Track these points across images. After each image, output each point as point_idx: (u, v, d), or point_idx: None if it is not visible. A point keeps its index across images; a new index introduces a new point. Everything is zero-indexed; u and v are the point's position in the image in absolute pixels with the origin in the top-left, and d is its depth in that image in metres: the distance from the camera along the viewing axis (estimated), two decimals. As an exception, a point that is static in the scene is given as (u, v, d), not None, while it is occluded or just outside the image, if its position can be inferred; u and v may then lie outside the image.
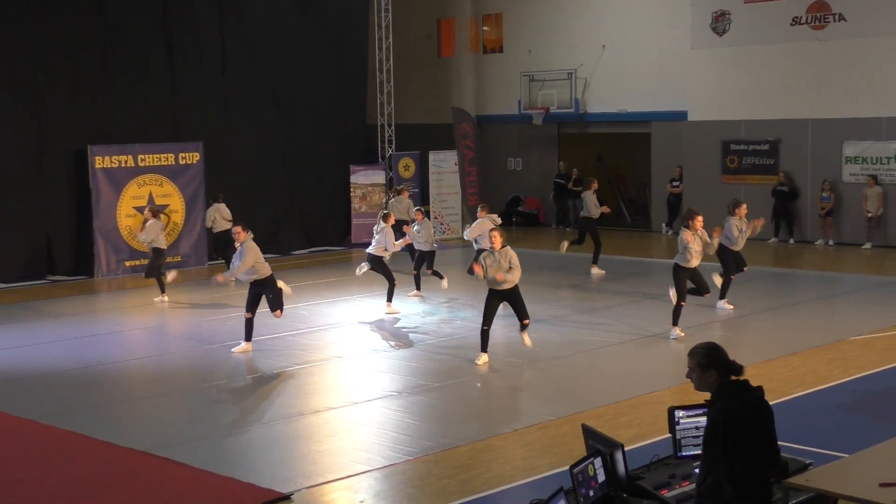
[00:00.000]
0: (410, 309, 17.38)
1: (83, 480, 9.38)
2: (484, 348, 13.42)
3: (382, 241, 16.82)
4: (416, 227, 18.28)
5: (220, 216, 21.27)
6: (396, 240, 17.13)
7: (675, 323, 14.67)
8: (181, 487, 9.20)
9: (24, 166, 20.98)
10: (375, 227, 17.18)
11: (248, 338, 14.32)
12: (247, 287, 14.49)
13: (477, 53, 30.46)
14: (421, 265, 18.42)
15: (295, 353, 14.38)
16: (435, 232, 26.30)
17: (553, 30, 28.72)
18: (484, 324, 13.34)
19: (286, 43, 25.05)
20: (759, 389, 5.92)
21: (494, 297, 13.28)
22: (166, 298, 18.30)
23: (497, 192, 29.56)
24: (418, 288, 18.45)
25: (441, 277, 18.20)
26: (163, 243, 18.50)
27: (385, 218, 17.07)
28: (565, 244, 20.48)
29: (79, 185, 21.53)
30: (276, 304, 14.30)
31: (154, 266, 18.38)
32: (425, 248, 18.28)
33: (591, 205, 20.34)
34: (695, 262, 14.72)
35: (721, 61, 25.41)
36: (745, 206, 16.71)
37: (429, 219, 19.41)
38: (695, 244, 14.64)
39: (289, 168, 25.19)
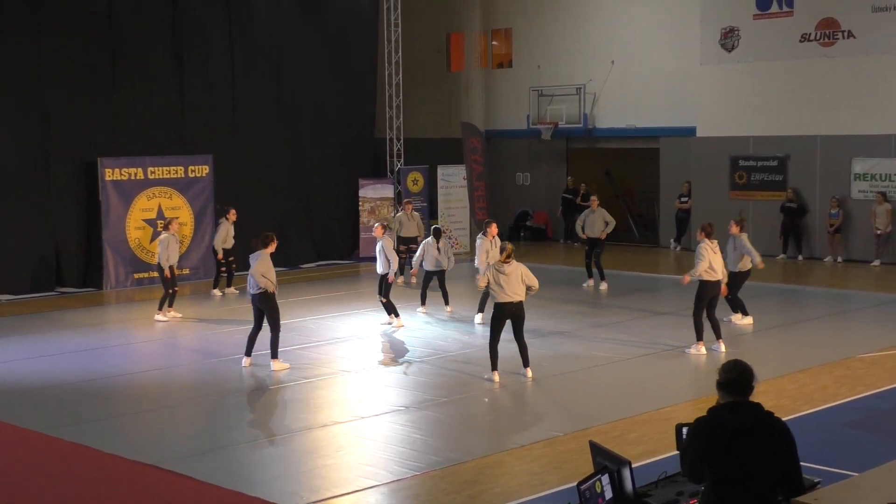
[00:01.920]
0: (418, 324, 17.36)
1: (86, 492, 9.36)
2: (494, 367, 13.34)
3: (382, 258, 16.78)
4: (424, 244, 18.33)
5: (230, 232, 20.73)
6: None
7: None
8: (186, 500, 9.17)
9: (33, 177, 21.00)
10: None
11: (275, 355, 14.19)
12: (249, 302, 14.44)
13: (486, 68, 30.50)
14: (429, 283, 18.40)
15: (302, 366, 14.35)
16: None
17: (562, 45, 28.75)
18: (492, 342, 13.31)
19: (295, 56, 25.11)
20: (763, 412, 5.87)
21: (501, 315, 13.20)
22: (162, 317, 17.82)
23: (505, 207, 29.55)
24: (423, 304, 18.44)
25: (446, 303, 18.20)
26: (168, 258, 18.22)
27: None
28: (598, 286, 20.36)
29: (88, 196, 21.55)
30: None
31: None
32: (431, 267, 18.22)
33: (600, 222, 20.34)
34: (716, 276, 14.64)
35: (730, 77, 25.40)
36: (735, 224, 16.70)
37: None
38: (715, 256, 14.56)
39: (297, 181, 25.23)
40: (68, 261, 21.62)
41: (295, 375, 13.85)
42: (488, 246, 16.70)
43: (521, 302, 13.10)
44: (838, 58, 23.70)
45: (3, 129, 20.56)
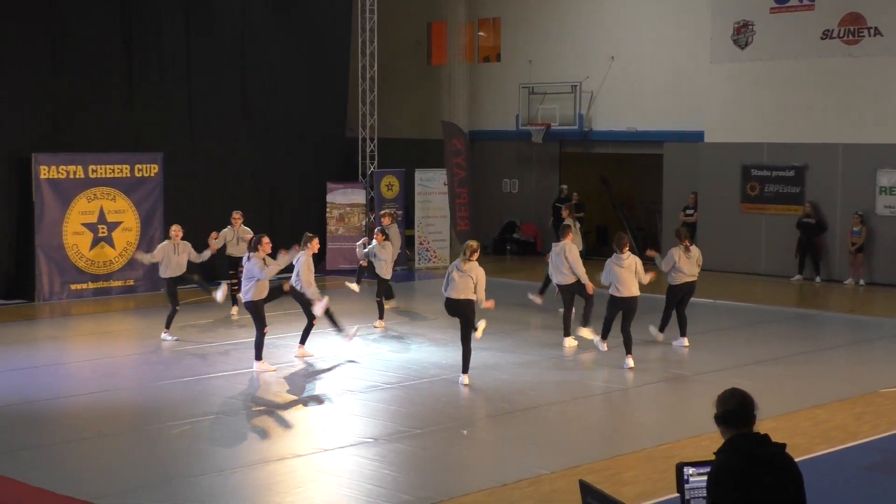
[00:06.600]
0: (390, 346, 17.38)
1: (15, 531, 9.29)
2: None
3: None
4: (372, 245, 18.90)
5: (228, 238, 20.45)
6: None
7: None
8: (126, 542, 9.11)
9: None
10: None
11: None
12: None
13: (471, 62, 30.58)
14: (384, 292, 18.98)
15: (260, 391, 14.33)
16: (419, 259, 26.39)
17: (556, 38, 28.87)
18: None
19: (259, 45, 25.16)
20: (777, 446, 5.89)
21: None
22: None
23: (490, 217, 29.62)
24: (381, 317, 18.84)
25: (379, 317, 18.78)
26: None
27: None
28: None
29: (20, 197, 21.45)
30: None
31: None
32: (386, 275, 18.71)
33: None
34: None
35: (743, 77, 25.55)
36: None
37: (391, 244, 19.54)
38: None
39: (260, 184, 25.26)
40: (-4, 268, 21.55)
41: (251, 401, 13.82)
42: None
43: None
44: (863, 57, 23.87)
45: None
